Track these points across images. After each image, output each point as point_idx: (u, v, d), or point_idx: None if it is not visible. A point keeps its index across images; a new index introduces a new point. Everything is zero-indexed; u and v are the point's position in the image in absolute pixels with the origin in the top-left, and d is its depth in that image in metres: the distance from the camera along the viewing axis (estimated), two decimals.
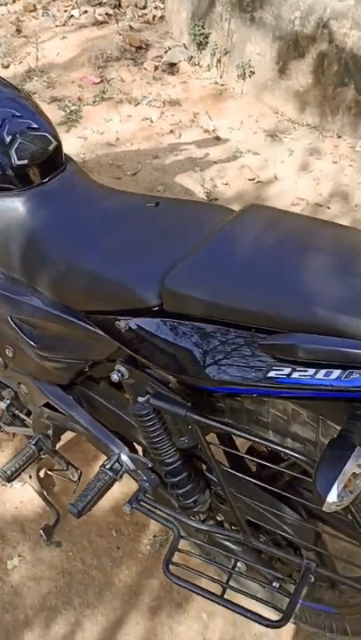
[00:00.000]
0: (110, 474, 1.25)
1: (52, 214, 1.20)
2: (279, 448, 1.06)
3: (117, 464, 1.27)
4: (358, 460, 0.87)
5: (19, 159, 1.21)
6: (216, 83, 3.73)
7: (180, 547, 1.24)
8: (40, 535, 1.71)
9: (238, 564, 1.29)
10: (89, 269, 1.11)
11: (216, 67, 3.73)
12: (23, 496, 1.82)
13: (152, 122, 3.42)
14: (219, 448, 1.23)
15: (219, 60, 3.70)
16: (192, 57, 3.85)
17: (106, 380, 1.41)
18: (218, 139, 3.32)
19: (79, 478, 1.60)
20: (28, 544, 1.72)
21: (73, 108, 3.43)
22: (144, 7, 4.30)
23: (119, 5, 4.28)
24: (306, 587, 1.22)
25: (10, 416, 1.63)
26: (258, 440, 1.07)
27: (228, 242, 1.00)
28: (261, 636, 1.57)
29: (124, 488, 1.78)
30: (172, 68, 3.83)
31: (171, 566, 1.19)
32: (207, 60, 3.78)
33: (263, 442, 1.07)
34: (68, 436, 1.86)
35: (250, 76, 3.56)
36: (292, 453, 1.04)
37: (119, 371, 1.15)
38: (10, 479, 1.52)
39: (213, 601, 1.18)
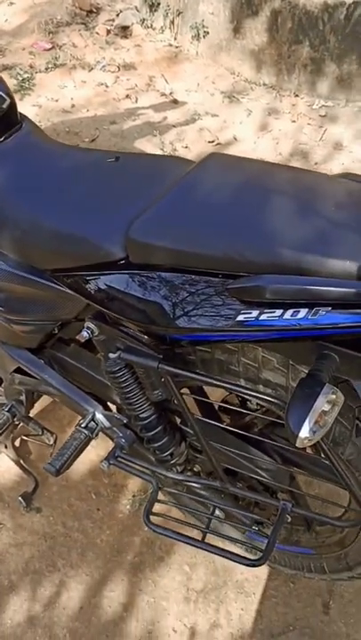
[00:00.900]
0: (86, 432, 1.26)
1: (10, 174, 1.18)
2: (251, 393, 1.08)
3: (92, 422, 1.28)
4: (328, 396, 0.90)
5: None
6: (170, 45, 3.67)
7: (159, 498, 1.26)
8: (19, 502, 1.72)
9: (217, 511, 1.32)
10: (52, 227, 1.09)
11: (169, 28, 3.67)
12: (0, 466, 1.82)
13: (107, 87, 3.35)
14: (192, 400, 1.25)
15: (172, 22, 3.63)
16: (144, 19, 3.77)
17: (76, 341, 1.41)
18: (175, 102, 3.28)
19: (55, 442, 1.61)
20: (8, 512, 1.73)
21: (25, 75, 3.34)
22: None
23: None
24: (283, 528, 1.26)
25: None
26: (230, 387, 1.08)
27: (190, 190, 1.00)
28: (243, 583, 1.62)
29: (100, 451, 1.80)
30: (124, 31, 3.75)
31: (151, 517, 1.21)
32: (160, 21, 3.71)
33: (235, 389, 1.08)
34: (42, 403, 1.87)
35: (204, 37, 3.51)
36: (263, 397, 1.06)
37: (89, 328, 1.14)
38: None
39: (195, 546, 1.21)
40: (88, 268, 1.07)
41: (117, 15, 3.82)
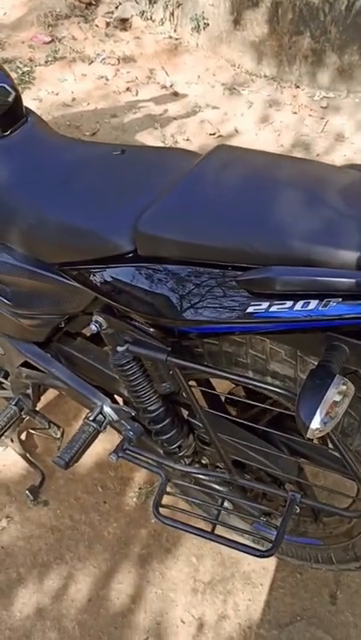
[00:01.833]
0: (94, 425, 1.26)
1: (17, 167, 1.18)
2: (259, 385, 1.08)
3: (100, 415, 1.28)
4: (338, 387, 0.90)
5: None
6: (170, 37, 3.65)
7: (167, 490, 1.27)
8: (26, 496, 1.72)
9: (226, 503, 1.32)
10: (60, 220, 1.09)
11: (169, 20, 3.65)
12: (6, 459, 1.82)
13: (107, 80, 3.34)
14: (199, 392, 1.25)
15: (172, 14, 3.61)
16: (144, 11, 3.75)
17: (82, 335, 1.41)
18: (176, 94, 3.27)
19: (62, 435, 1.61)
20: (15, 505, 1.74)
21: (25, 69, 3.32)
22: None
23: None
24: (292, 519, 1.26)
25: None
26: (238, 379, 1.08)
27: (198, 182, 0.99)
28: (251, 574, 1.63)
29: (106, 444, 1.80)
30: (124, 23, 3.73)
31: (160, 509, 1.22)
32: (160, 13, 3.69)
33: (243, 380, 1.08)
34: (47, 397, 1.87)
35: (204, 29, 3.49)
36: (272, 388, 1.06)
37: (97, 321, 1.14)
38: None
39: (204, 537, 1.21)
40: (96, 262, 1.06)
41: (117, 7, 3.80)
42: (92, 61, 3.44)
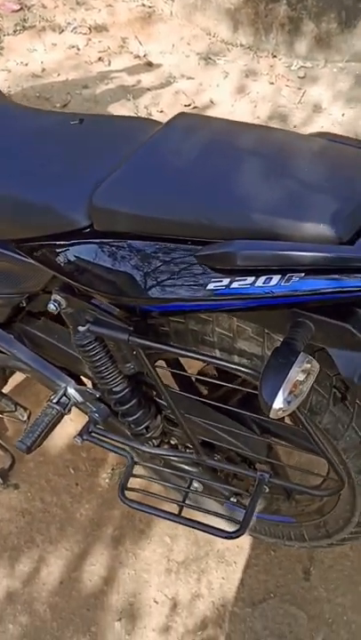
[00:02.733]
0: (57, 407, 1.22)
1: None
2: (225, 364, 1.04)
3: (65, 397, 1.24)
4: (302, 365, 0.86)
5: None
6: (143, 5, 3.53)
7: (135, 472, 1.24)
8: None
9: (195, 484, 1.30)
10: (13, 195, 1.04)
11: None
12: None
13: (79, 50, 3.23)
14: (167, 372, 1.21)
15: None
16: None
17: (47, 315, 1.36)
18: (150, 64, 3.18)
19: (29, 418, 1.57)
20: None
21: None
22: None
23: None
24: (262, 498, 1.24)
25: None
26: (202, 358, 1.05)
27: (156, 152, 0.94)
28: (224, 552, 1.62)
29: (78, 426, 1.76)
30: None
31: (127, 491, 1.19)
32: None
33: (208, 359, 1.05)
34: (16, 379, 1.83)
35: None
36: (239, 367, 1.03)
37: (56, 300, 1.09)
38: None
39: (170, 519, 1.19)
40: (52, 238, 1.01)
41: None
42: (62, 30, 3.33)
